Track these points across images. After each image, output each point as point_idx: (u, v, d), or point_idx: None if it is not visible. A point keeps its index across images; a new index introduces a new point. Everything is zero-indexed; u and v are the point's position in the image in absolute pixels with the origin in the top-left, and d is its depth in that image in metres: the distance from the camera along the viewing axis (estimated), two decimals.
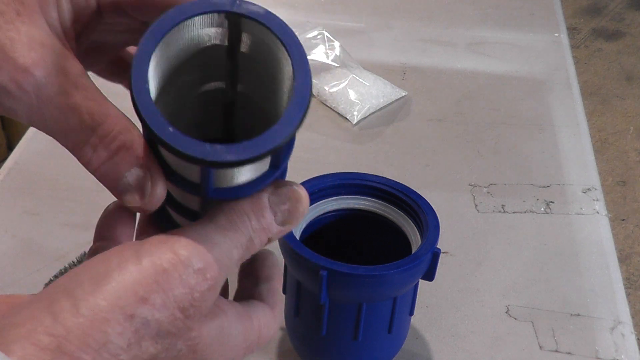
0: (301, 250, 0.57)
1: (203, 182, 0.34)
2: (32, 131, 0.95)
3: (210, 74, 0.38)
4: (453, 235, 0.82)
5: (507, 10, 1.26)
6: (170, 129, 0.32)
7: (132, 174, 0.35)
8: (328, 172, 0.64)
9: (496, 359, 0.70)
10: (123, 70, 0.45)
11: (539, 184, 0.90)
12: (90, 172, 0.36)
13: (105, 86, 0.40)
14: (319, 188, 0.63)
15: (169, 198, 0.36)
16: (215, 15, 0.34)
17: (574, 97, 1.06)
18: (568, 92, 1.07)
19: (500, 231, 0.84)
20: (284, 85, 0.35)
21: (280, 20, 0.34)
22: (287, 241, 0.57)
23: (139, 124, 0.34)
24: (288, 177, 0.39)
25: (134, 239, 0.40)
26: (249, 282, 0.40)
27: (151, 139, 0.34)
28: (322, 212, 0.64)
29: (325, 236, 0.64)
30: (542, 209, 0.86)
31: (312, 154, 0.93)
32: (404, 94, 1.03)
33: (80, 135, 0.35)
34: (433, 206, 0.61)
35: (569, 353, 0.71)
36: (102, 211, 0.40)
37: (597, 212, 0.86)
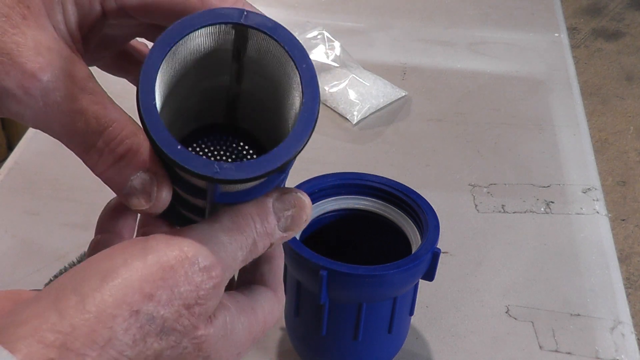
0: (301, 250, 0.57)
1: (209, 191, 0.34)
2: (32, 131, 0.95)
3: (215, 73, 0.38)
4: (453, 235, 0.82)
5: (507, 10, 1.26)
6: (179, 146, 0.32)
7: (138, 178, 0.35)
8: (328, 172, 0.64)
9: (496, 359, 0.70)
10: (128, 64, 0.45)
11: (539, 184, 0.90)
12: (96, 175, 0.36)
13: (111, 87, 0.40)
14: (319, 188, 0.63)
15: (175, 195, 0.36)
16: (223, 26, 0.34)
17: (574, 97, 1.06)
18: (568, 92, 1.07)
19: (500, 231, 0.83)
20: (290, 95, 0.35)
21: (288, 32, 0.34)
22: (287, 241, 0.57)
23: None
24: (288, 177, 0.39)
25: (135, 232, 0.41)
26: (250, 264, 0.40)
27: (160, 156, 0.35)
28: (322, 212, 0.64)
29: (325, 236, 0.64)
30: (542, 209, 0.86)
31: (312, 154, 0.93)
32: (404, 94, 1.03)
33: (86, 139, 0.35)
34: (433, 206, 0.61)
35: (569, 353, 0.71)
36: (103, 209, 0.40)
37: (597, 212, 0.86)
